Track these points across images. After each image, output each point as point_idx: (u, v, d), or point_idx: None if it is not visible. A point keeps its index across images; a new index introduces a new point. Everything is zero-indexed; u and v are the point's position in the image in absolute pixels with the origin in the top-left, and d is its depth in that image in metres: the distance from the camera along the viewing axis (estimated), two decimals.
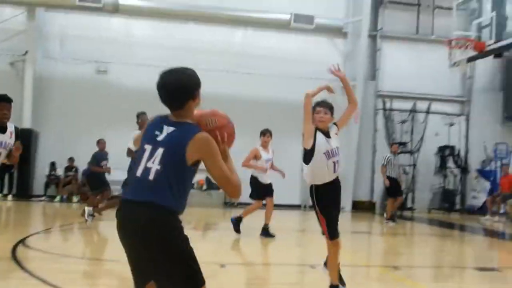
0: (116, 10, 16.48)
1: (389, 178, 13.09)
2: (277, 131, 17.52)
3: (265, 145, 9.90)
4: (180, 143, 3.19)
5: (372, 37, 18.63)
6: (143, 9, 17.06)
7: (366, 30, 17.70)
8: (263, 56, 17.87)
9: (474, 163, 18.51)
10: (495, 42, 13.74)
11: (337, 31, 18.42)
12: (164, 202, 3.17)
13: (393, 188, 13.12)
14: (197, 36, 17.53)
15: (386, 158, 13.37)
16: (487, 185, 17.88)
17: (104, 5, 16.12)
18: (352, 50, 18.36)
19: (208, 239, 10.22)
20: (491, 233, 13.29)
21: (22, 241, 7.62)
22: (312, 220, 13.77)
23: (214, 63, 17.38)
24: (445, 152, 17.53)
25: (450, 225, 14.25)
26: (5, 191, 16.08)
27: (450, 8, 16.16)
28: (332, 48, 18.55)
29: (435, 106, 18.45)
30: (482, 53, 14.26)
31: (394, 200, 13.29)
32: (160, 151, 3.21)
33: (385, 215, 13.34)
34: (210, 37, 17.62)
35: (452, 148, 17.90)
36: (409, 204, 17.64)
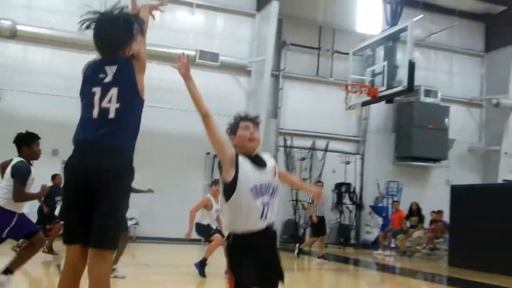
0: (13, 35, 15.83)
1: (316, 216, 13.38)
2: (180, 165, 17.65)
3: (216, 194, 9.64)
4: (130, 75, 3.40)
5: (275, 77, 19.24)
6: (42, 36, 16.49)
7: (269, 69, 18.20)
8: (167, 90, 17.83)
9: (368, 200, 19.45)
10: (387, 89, 14.56)
11: (241, 69, 18.87)
12: (125, 144, 3.31)
13: (318, 226, 13.42)
14: None
15: (311, 196, 13.65)
16: (379, 220, 18.81)
17: (1, 30, 15.47)
18: (256, 88, 18.83)
19: None
20: (382, 267, 13.93)
21: None
22: (216, 254, 13.70)
23: None
24: (342, 189, 18.29)
25: (345, 260, 14.75)
26: None
27: (347, 53, 17.09)
28: (236, 85, 18.95)
29: (333, 145, 19.26)
30: (375, 98, 15.07)
31: (318, 238, 13.53)
32: (114, 90, 3.33)
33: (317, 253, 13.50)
34: None
35: (348, 185, 18.73)
36: (307, 239, 18.06)
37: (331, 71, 19.84)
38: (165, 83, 17.89)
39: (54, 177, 12.77)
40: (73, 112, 16.49)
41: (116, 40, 3.53)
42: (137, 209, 16.54)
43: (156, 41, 17.46)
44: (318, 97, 19.71)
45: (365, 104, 15.67)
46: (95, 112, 3.34)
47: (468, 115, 22.25)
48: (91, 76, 3.49)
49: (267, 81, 18.26)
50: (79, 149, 3.38)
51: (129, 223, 16.46)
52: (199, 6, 18.39)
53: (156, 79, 17.77)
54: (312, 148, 18.97)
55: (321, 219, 13.51)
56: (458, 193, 14.34)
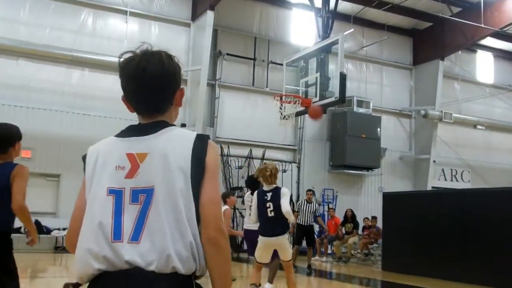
0: None
1: (298, 225, 13.30)
2: None
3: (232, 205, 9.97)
4: None
5: (211, 86, 19.21)
6: None
7: (205, 78, 18.18)
8: (100, 97, 17.46)
9: None
10: (320, 100, 14.79)
11: None
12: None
13: (299, 236, 13.54)
14: (29, 74, 16.61)
15: (298, 204, 13.84)
16: (316, 227, 18.99)
17: None
18: (192, 97, 18.72)
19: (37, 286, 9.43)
20: (319, 273, 14.08)
21: None
22: None
23: (49, 103, 16.68)
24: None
25: (281, 267, 14.76)
26: None
27: (282, 64, 17.31)
28: None
29: (270, 153, 19.39)
30: (309, 109, 15.27)
31: (298, 248, 13.45)
32: None
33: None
34: (44, 76, 16.84)
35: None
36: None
37: (266, 81, 20.03)
38: (97, 91, 17.53)
39: None
40: (1, 119, 15.94)
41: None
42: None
43: (89, 49, 17.12)
44: (254, 106, 19.85)
45: (299, 114, 15.87)
46: None
47: (398, 125, 23.02)
48: None
49: (203, 90, 18.22)
50: None
51: (62, 233, 15.95)
52: (133, 14, 18.12)
53: (88, 87, 17.44)
54: (249, 157, 19.02)
55: (304, 228, 13.48)
56: (390, 200, 14.78)
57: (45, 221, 15.97)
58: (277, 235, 6.94)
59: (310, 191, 14.30)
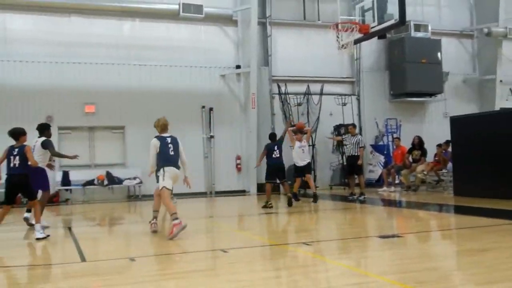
0: None
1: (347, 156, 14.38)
2: (177, 120, 17.34)
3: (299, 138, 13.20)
4: None
5: (262, 24, 18.82)
6: (20, 3, 16.01)
7: (256, 17, 17.82)
8: (153, 47, 17.49)
9: (368, 139, 19.35)
10: (378, 24, 14.25)
11: (227, 20, 18.44)
12: None
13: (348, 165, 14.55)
14: (82, 29, 16.77)
15: (344, 137, 15.36)
16: (381, 158, 18.78)
17: None
18: (243, 37, 18.46)
19: (115, 233, 9.80)
20: (388, 203, 13.96)
21: None
22: (219, 206, 13.77)
23: (103, 57, 16.88)
24: (341, 131, 18.13)
25: (350, 199, 14.71)
26: None
27: None
28: (223, 36, 18.55)
29: (328, 88, 19.03)
30: (367, 35, 14.76)
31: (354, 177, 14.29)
32: None
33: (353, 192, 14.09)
34: (96, 30, 16.96)
35: (346, 126, 18.55)
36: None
37: (318, 14, 19.41)
38: (151, 40, 17.54)
39: None
40: (62, 77, 16.31)
41: None
42: (139, 169, 16.45)
43: None
44: (307, 41, 19.38)
45: (357, 41, 15.31)
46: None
47: (460, 47, 21.96)
48: None
49: (254, 30, 17.88)
50: None
51: (133, 182, 16.46)
52: None
53: (142, 37, 17.45)
54: (307, 93, 18.72)
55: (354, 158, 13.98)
56: (458, 124, 14.29)
57: (116, 172, 16.47)
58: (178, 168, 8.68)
59: (352, 125, 14.74)
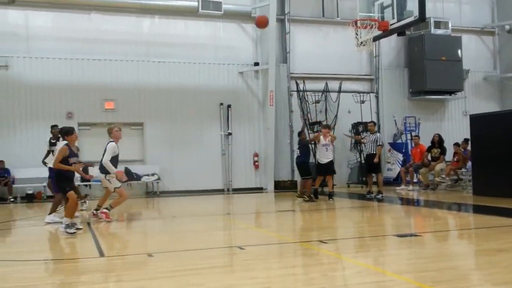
0: (12, 1, 15.50)
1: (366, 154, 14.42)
2: (196, 117, 17.58)
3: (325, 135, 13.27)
4: None
5: (281, 21, 18.80)
6: (40, 0, 16.21)
7: (274, 14, 17.80)
8: (172, 43, 17.59)
9: (387, 137, 19.23)
10: (398, 21, 14.13)
11: (245, 16, 18.46)
12: None
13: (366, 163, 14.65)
14: (101, 26, 16.94)
15: (363, 136, 15.40)
16: (399, 157, 18.66)
17: None
18: (262, 34, 18.46)
19: (132, 229, 9.90)
20: (406, 201, 13.87)
21: None
22: (236, 203, 13.84)
23: (122, 53, 17.02)
24: (359, 129, 18.04)
25: (368, 197, 14.66)
26: None
27: None
28: (241, 33, 18.58)
29: (346, 85, 18.95)
30: (387, 32, 14.64)
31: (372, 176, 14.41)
32: None
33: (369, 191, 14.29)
34: (116, 27, 17.10)
35: (365, 124, 18.47)
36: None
37: (337, 11, 19.33)
38: (170, 37, 17.64)
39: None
40: (82, 74, 16.52)
41: None
42: (157, 165, 16.59)
43: None
44: (326, 38, 19.33)
45: (376, 39, 15.21)
46: None
47: (481, 44, 21.70)
48: None
49: (273, 27, 17.86)
50: None
51: (151, 178, 16.60)
52: None
53: (160, 34, 17.56)
54: (326, 91, 18.66)
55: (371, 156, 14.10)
56: (478, 122, 14.12)
57: (135, 168, 16.62)
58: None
59: (372, 123, 14.84)
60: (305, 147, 14.03)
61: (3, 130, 15.74)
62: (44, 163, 11.81)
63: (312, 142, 14.56)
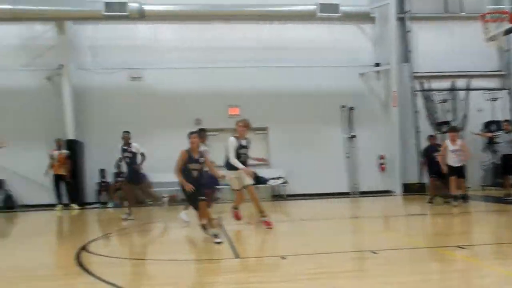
0: (142, 16, 16.57)
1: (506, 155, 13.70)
2: (317, 121, 17.62)
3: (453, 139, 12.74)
4: None
5: (401, 20, 18.30)
6: (167, 14, 17.13)
7: (394, 13, 17.41)
8: (291, 48, 17.76)
9: None
10: None
11: (364, 17, 18.18)
12: None
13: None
14: (223, 35, 17.57)
15: (496, 136, 14.65)
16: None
17: (130, 12, 16.23)
18: (381, 34, 18.08)
19: (263, 232, 10.12)
20: None
21: (83, 247, 7.73)
22: (363, 207, 13.64)
23: (244, 60, 17.48)
24: (492, 128, 16.97)
25: (505, 200, 13.77)
26: (64, 201, 16.08)
27: None
28: (360, 34, 18.34)
29: (475, 83, 18.00)
30: None
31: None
32: None
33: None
34: (236, 35, 17.64)
35: (498, 122, 17.34)
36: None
37: (460, 5, 18.39)
38: (288, 42, 17.82)
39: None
40: (206, 82, 17.22)
41: None
42: (284, 169, 16.85)
43: (274, 1, 17.35)
44: (450, 34, 18.43)
45: (507, 32, 14.35)
46: None
47: None
48: None
49: (393, 26, 17.48)
50: None
51: (278, 182, 16.89)
52: None
53: (280, 39, 17.79)
54: (453, 89, 17.80)
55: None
56: None
57: (261, 172, 16.96)
58: None
59: (507, 121, 14.09)
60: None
61: (138, 137, 16.70)
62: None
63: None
